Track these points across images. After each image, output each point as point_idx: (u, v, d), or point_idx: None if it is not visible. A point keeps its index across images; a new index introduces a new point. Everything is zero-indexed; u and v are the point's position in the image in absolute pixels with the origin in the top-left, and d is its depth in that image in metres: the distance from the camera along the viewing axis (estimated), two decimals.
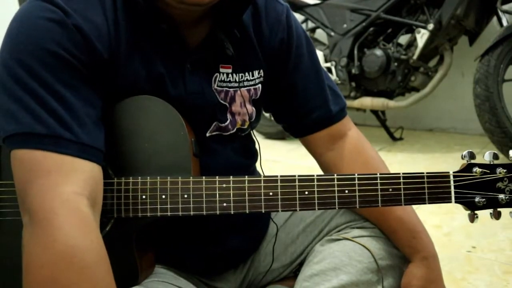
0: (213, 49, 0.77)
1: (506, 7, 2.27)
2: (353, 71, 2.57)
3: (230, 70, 0.79)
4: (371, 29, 2.53)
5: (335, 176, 0.71)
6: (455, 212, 1.73)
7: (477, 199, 0.71)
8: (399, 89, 2.55)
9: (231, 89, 0.80)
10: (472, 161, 0.72)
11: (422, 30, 2.35)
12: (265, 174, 0.74)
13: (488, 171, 0.71)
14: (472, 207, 0.72)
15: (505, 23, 2.21)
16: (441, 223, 1.64)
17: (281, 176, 0.71)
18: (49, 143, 0.62)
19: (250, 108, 0.83)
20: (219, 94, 0.79)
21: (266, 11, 0.82)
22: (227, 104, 0.80)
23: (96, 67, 0.67)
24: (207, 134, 0.80)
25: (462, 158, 0.73)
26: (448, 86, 2.77)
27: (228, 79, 0.79)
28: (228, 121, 0.81)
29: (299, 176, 0.71)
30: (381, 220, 0.85)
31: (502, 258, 1.37)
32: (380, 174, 0.71)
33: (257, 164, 0.93)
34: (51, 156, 0.62)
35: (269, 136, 3.02)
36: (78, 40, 0.65)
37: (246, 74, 0.81)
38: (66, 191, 0.61)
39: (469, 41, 2.52)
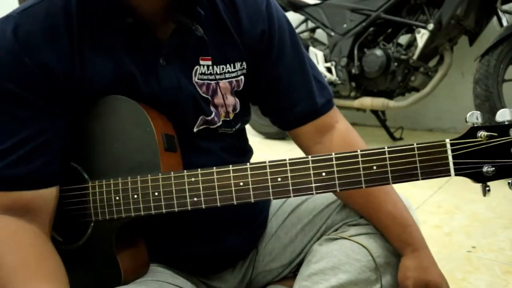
0: (182, 37, 0.75)
1: (506, 7, 2.27)
2: (353, 71, 2.56)
3: (210, 62, 0.78)
4: (371, 29, 2.53)
5: (310, 158, 0.65)
6: (455, 212, 1.73)
7: (485, 169, 0.60)
8: (399, 89, 2.55)
9: (212, 82, 0.79)
10: (478, 124, 0.61)
11: (422, 30, 2.35)
12: None
13: (496, 134, 0.59)
14: (480, 179, 0.61)
15: (505, 23, 2.20)
16: (441, 223, 1.64)
17: (250, 163, 0.67)
18: None
19: (233, 99, 0.82)
20: (201, 87, 0.78)
21: (245, 2, 0.80)
22: (209, 97, 0.79)
23: (53, 88, 0.68)
24: (195, 129, 0.79)
25: (466, 122, 0.62)
26: (448, 86, 2.77)
27: (209, 72, 0.78)
28: (213, 114, 0.80)
29: (270, 162, 0.66)
30: (373, 215, 0.84)
31: (502, 258, 1.37)
32: (361, 150, 0.63)
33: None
34: None
35: (269, 136, 3.01)
36: (28, 70, 0.66)
37: (228, 66, 0.79)
38: None
39: (469, 41, 2.52)
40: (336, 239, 0.85)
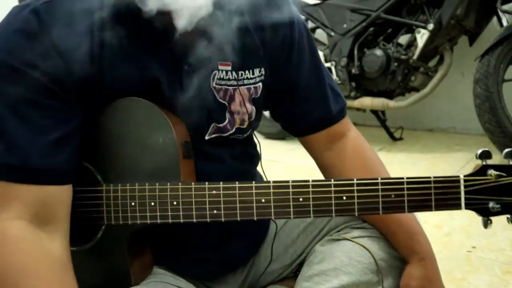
0: (206, 42, 0.73)
1: (506, 7, 2.27)
2: (353, 71, 2.57)
3: (229, 68, 0.77)
4: (371, 29, 2.53)
5: (332, 181, 0.66)
6: (455, 212, 1.73)
7: (491, 205, 0.65)
8: (399, 89, 2.55)
9: (230, 87, 0.78)
10: (488, 162, 0.65)
11: (422, 30, 2.35)
12: (265, 176, 0.72)
13: (505, 174, 0.64)
14: (485, 213, 0.66)
15: (505, 23, 2.21)
16: (441, 223, 1.64)
17: (273, 181, 0.67)
18: None
19: (250, 107, 0.81)
20: (218, 92, 0.77)
21: (268, 7, 0.79)
22: (226, 103, 0.78)
23: (73, 80, 0.65)
24: (206, 137, 0.77)
25: (477, 158, 0.66)
26: (448, 86, 2.77)
27: (227, 77, 0.77)
28: (227, 121, 0.79)
29: (293, 181, 0.67)
30: (379, 221, 0.84)
31: (502, 258, 1.37)
32: (381, 179, 0.66)
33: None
34: None
35: (269, 136, 3.01)
36: (50, 56, 0.64)
37: (246, 72, 0.79)
38: None
39: (469, 41, 2.52)
40: (339, 240, 0.84)
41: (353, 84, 2.63)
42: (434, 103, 2.96)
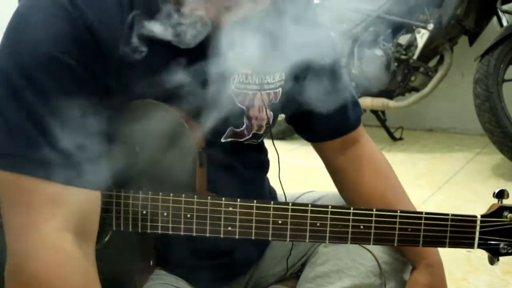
0: (228, 46, 0.69)
1: (506, 7, 2.28)
2: (353, 71, 2.57)
3: (250, 71, 0.75)
4: (371, 29, 2.53)
5: (351, 210, 0.66)
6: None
7: (501, 245, 0.67)
8: (399, 89, 2.55)
9: (250, 92, 0.75)
10: (505, 203, 0.66)
11: (422, 30, 2.36)
12: (281, 184, 0.69)
13: None
14: (494, 253, 0.68)
15: (505, 23, 2.21)
16: None
17: (292, 203, 0.67)
18: (36, 169, 0.57)
19: (269, 112, 0.79)
20: (237, 96, 0.74)
21: (291, 12, 0.75)
22: (245, 108, 0.76)
23: (105, 72, 0.62)
24: (222, 140, 0.75)
25: (494, 197, 0.67)
26: (448, 86, 2.77)
27: (247, 81, 0.75)
28: (244, 126, 0.76)
29: (312, 205, 0.66)
30: None
31: (502, 258, 1.37)
32: (400, 211, 0.66)
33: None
34: (37, 184, 0.57)
35: (269, 136, 3.01)
36: (86, 43, 0.59)
37: (267, 76, 0.76)
38: (46, 228, 0.57)
39: (469, 41, 2.53)
40: None
41: (353, 84, 2.63)
42: (434, 103, 2.96)
